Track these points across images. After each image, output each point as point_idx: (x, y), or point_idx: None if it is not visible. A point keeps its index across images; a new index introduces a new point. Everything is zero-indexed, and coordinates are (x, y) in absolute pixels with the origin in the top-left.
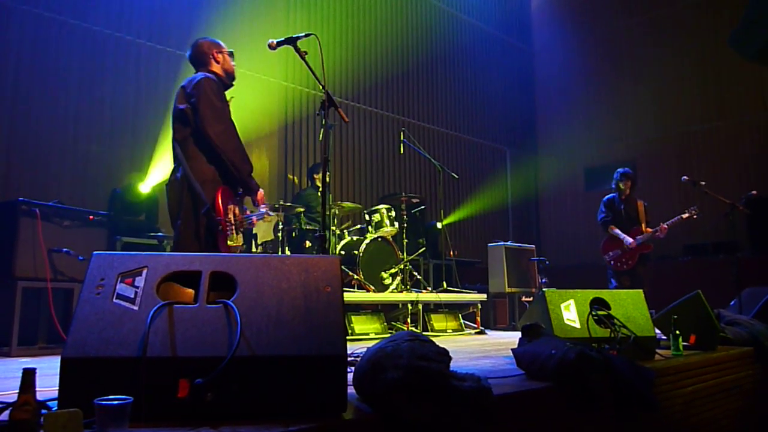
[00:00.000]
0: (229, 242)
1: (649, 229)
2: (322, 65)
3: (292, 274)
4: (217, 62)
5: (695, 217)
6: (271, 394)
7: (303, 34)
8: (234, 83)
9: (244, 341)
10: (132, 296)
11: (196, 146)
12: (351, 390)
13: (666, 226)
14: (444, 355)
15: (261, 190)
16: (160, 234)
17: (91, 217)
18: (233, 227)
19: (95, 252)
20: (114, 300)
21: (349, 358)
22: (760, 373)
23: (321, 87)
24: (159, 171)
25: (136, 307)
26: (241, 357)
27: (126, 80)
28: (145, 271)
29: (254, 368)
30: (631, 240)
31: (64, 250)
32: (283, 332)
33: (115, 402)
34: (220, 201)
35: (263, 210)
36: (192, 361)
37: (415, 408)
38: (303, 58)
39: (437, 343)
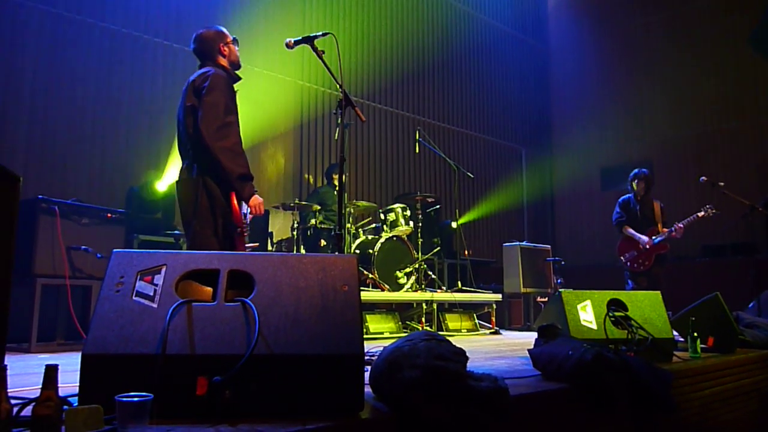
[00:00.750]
0: (246, 244)
1: (665, 230)
2: (339, 64)
3: (310, 273)
4: (224, 55)
5: (711, 215)
6: (288, 392)
7: (320, 33)
8: (240, 70)
9: (262, 340)
10: (151, 294)
11: None
12: (367, 389)
13: (682, 226)
14: (461, 355)
15: (255, 198)
16: (176, 232)
17: (109, 215)
18: (248, 228)
19: (115, 250)
20: (133, 297)
21: (365, 358)
22: None
23: (338, 86)
24: (175, 169)
25: (155, 305)
26: (259, 355)
27: (143, 79)
28: (164, 269)
29: (272, 367)
30: (646, 239)
31: (83, 247)
32: (301, 331)
33: (136, 399)
34: (235, 201)
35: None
36: (210, 359)
37: (433, 407)
38: (320, 57)
39: (453, 343)
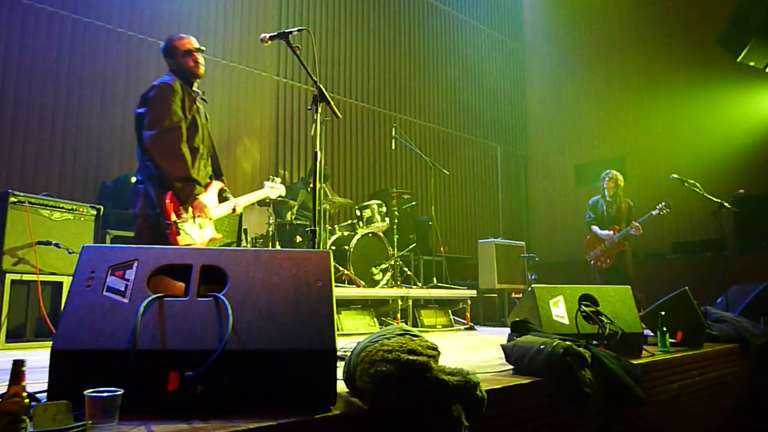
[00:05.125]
0: (180, 242)
1: (624, 228)
2: (314, 60)
3: (283, 269)
4: (180, 63)
5: (664, 213)
6: (261, 387)
7: (296, 29)
8: (198, 79)
9: (235, 335)
10: (122, 289)
11: None
12: (342, 384)
13: (638, 224)
14: (433, 349)
15: (198, 201)
16: None
17: (80, 209)
18: (186, 225)
19: (85, 245)
20: (104, 293)
21: (339, 353)
22: (746, 370)
23: (313, 82)
24: None
25: (126, 300)
26: (232, 350)
27: (115, 72)
28: (135, 264)
29: (245, 362)
30: (607, 233)
31: (53, 243)
32: (274, 326)
33: (106, 394)
34: (167, 202)
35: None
36: (182, 354)
37: (404, 402)
38: (295, 53)
39: (427, 339)
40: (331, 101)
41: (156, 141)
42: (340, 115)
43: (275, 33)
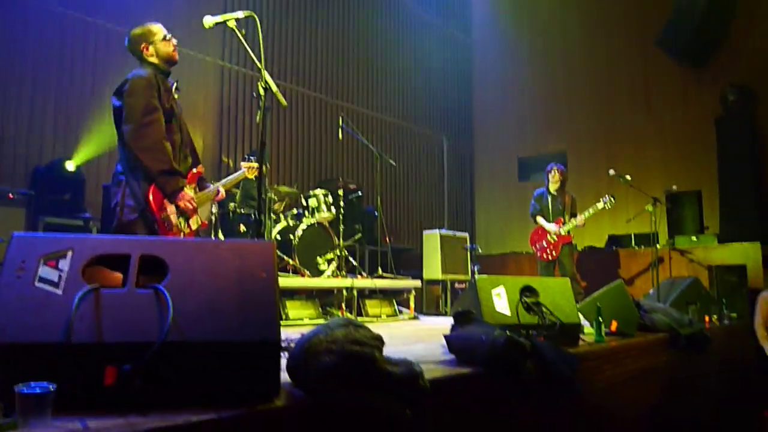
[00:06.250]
0: (167, 235)
1: (572, 220)
2: (261, 46)
3: (227, 259)
4: (149, 54)
5: (608, 207)
6: (202, 380)
7: (241, 13)
8: (173, 66)
9: (175, 326)
10: (56, 280)
11: None
12: (286, 376)
13: (582, 217)
14: (378, 340)
15: (182, 194)
16: (86, 215)
17: (10, 195)
18: (172, 218)
19: (15, 233)
20: (36, 284)
21: (283, 344)
22: (675, 358)
23: (258, 68)
24: (87, 149)
25: (60, 291)
26: (172, 342)
27: (50, 53)
28: (70, 254)
29: (185, 354)
30: (555, 228)
31: None
32: (216, 318)
33: (37, 390)
34: (151, 196)
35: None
36: (120, 347)
37: (348, 393)
38: (240, 38)
39: (372, 329)
40: (275, 89)
41: (135, 135)
42: (285, 104)
43: (219, 16)
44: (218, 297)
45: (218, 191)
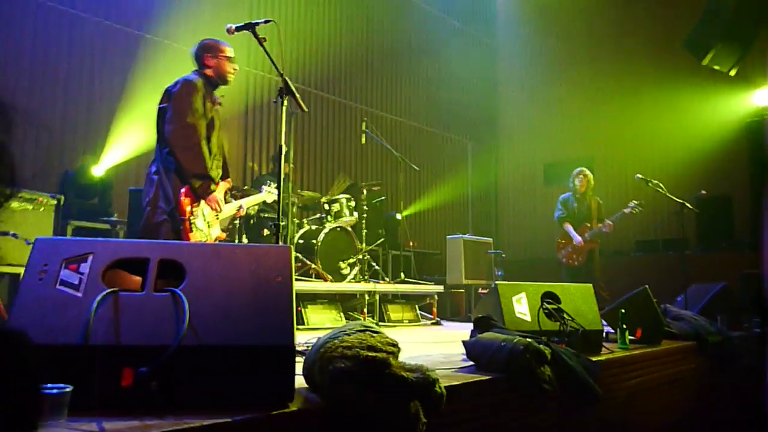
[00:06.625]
0: (192, 238)
1: (599, 225)
2: (281, 52)
3: (243, 264)
4: (208, 66)
5: (636, 212)
6: (217, 383)
7: (263, 20)
8: (223, 85)
9: (191, 330)
10: (76, 283)
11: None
12: (301, 380)
13: (610, 222)
14: (393, 346)
15: (213, 195)
16: (113, 218)
17: (40, 199)
18: (198, 222)
19: (39, 237)
20: (57, 286)
21: (301, 348)
22: (702, 367)
23: (278, 74)
24: (113, 154)
25: (80, 294)
26: (188, 346)
27: (81, 60)
28: (90, 258)
29: (201, 357)
30: (579, 239)
31: (11, 233)
32: (232, 322)
33: (54, 390)
34: (182, 198)
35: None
36: (138, 350)
37: (362, 398)
38: (261, 44)
39: (392, 335)
40: (296, 94)
41: (177, 135)
42: (306, 109)
43: (242, 24)
44: (234, 301)
45: (241, 207)
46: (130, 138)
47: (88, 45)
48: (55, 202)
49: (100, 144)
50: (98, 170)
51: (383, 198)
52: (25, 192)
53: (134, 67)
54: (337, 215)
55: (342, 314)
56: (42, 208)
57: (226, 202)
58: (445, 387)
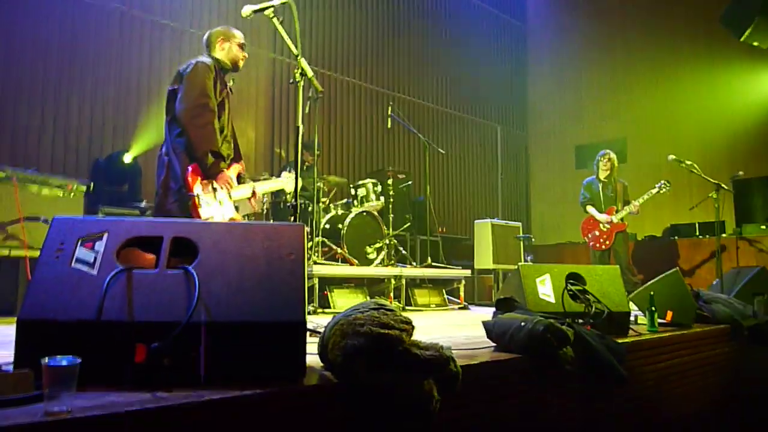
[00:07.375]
0: (201, 214)
1: (625, 208)
2: (297, 33)
3: (256, 242)
4: (220, 48)
5: (664, 191)
6: (229, 359)
7: (278, 1)
8: (234, 71)
9: (203, 307)
10: (91, 261)
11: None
12: (316, 358)
13: (638, 204)
14: (407, 323)
15: (224, 173)
16: (142, 204)
17: (69, 185)
18: (207, 198)
19: (56, 216)
20: (73, 264)
21: (320, 330)
22: (736, 351)
23: (295, 55)
24: (143, 141)
25: (95, 272)
26: (200, 322)
27: (109, 48)
28: (105, 236)
29: (213, 333)
30: (606, 217)
31: (42, 218)
32: (244, 298)
33: (64, 362)
34: (189, 176)
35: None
36: (150, 326)
37: (374, 375)
38: (277, 26)
39: (417, 319)
40: (309, 73)
41: (191, 114)
42: (321, 88)
43: (257, 6)
44: (246, 278)
45: (254, 192)
46: (158, 125)
47: (116, 34)
48: (84, 188)
49: (131, 131)
50: (128, 157)
51: (410, 182)
52: (55, 178)
53: (161, 55)
54: (364, 200)
55: (368, 298)
56: (72, 195)
57: (238, 183)
58: (462, 366)
